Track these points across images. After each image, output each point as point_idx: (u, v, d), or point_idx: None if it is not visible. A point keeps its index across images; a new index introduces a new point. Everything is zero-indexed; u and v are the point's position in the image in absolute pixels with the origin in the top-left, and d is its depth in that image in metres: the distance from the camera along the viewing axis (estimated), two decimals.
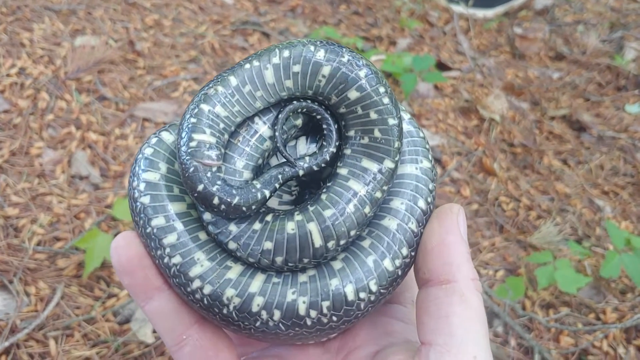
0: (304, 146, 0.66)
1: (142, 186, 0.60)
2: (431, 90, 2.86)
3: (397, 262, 0.60)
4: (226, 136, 0.59)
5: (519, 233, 2.25)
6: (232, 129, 0.60)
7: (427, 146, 0.66)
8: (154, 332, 1.64)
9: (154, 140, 0.63)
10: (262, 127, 0.62)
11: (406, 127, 0.65)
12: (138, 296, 0.61)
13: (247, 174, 0.61)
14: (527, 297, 2.01)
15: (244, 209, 0.57)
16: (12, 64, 2.29)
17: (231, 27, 2.93)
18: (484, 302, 1.92)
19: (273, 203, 0.66)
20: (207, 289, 0.58)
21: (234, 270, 0.59)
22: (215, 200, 0.55)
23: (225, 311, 0.58)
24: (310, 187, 0.67)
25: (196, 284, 0.58)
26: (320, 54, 0.58)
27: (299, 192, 0.68)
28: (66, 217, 1.85)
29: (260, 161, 0.62)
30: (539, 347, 1.82)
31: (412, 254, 0.61)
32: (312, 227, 0.58)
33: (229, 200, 0.56)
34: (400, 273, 0.60)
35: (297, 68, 0.59)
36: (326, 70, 0.58)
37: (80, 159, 2.03)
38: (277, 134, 0.61)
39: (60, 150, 2.05)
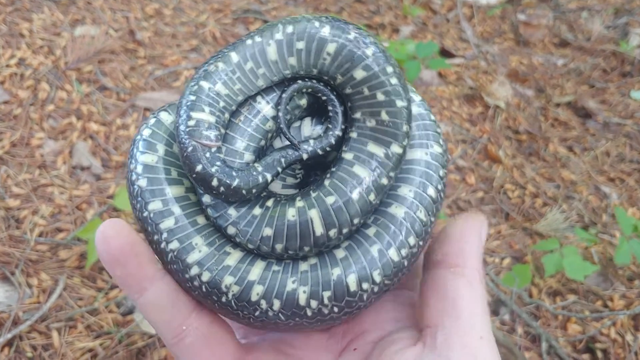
0: (309, 128, 0.63)
1: (139, 169, 0.58)
2: (435, 78, 2.83)
3: (404, 251, 0.56)
4: (227, 115, 0.56)
5: (525, 220, 2.23)
6: (234, 108, 0.57)
7: (439, 130, 0.62)
8: None
9: (152, 120, 0.60)
10: (265, 106, 0.59)
11: (416, 109, 0.61)
12: (131, 288, 0.57)
13: (248, 156, 0.58)
14: (534, 285, 1.99)
15: (243, 192, 0.54)
16: (11, 54, 2.27)
17: (232, 15, 2.90)
18: (491, 290, 1.90)
19: (276, 186, 0.63)
20: (206, 276, 0.55)
21: (233, 257, 0.56)
22: (214, 182, 0.53)
23: (224, 299, 0.56)
24: (315, 170, 0.65)
25: (194, 270, 0.56)
26: (326, 30, 0.55)
27: (303, 175, 0.65)
28: (68, 208, 1.84)
29: (262, 142, 0.59)
30: (546, 334, 1.80)
31: (420, 243, 0.57)
32: (314, 214, 0.55)
33: (228, 182, 0.53)
34: (406, 263, 0.57)
35: (301, 45, 0.55)
36: (331, 47, 0.55)
37: (82, 150, 2.02)
38: (280, 114, 0.58)
39: (61, 141, 2.04)
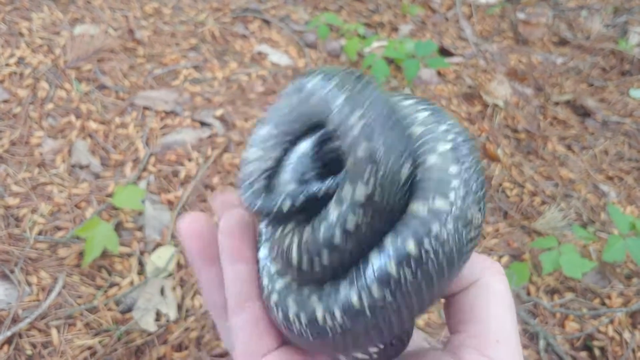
0: None
1: None
2: (434, 77, 2.83)
3: (364, 295, 0.55)
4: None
5: (523, 219, 2.24)
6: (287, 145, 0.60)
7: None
8: (157, 320, 1.64)
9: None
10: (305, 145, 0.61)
11: None
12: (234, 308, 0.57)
13: (291, 186, 0.59)
14: (532, 283, 1.99)
15: (265, 213, 0.57)
16: (11, 53, 2.28)
17: (231, 14, 2.90)
18: None
19: None
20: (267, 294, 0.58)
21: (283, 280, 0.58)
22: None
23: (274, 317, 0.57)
24: None
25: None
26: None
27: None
28: (67, 207, 1.84)
29: (306, 176, 0.59)
30: (544, 332, 1.81)
31: (390, 297, 0.54)
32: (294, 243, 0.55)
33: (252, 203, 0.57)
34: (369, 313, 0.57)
35: None
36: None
37: (81, 148, 2.02)
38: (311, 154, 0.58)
39: (60, 139, 2.04)
